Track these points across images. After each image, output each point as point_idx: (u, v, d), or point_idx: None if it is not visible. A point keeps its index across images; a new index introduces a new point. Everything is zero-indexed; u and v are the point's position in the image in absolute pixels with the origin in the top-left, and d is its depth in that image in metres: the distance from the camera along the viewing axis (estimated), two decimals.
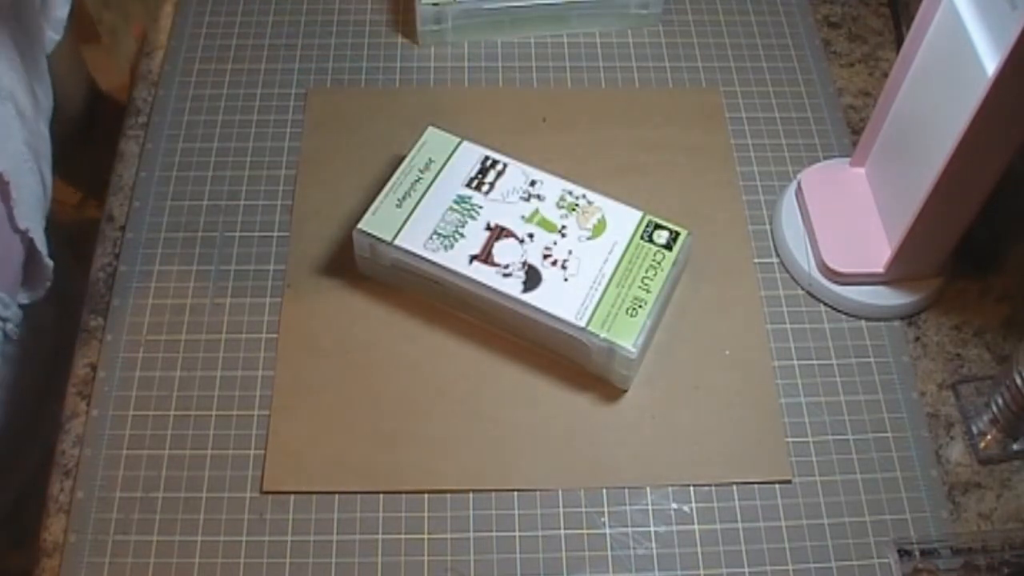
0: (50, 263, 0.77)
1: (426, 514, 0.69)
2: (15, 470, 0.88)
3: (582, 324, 0.71)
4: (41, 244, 0.76)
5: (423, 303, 0.77)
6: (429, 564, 0.67)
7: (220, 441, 0.71)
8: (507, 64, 0.92)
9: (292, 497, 0.69)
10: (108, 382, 0.74)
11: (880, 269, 0.76)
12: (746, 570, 0.68)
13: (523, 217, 0.77)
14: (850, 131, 0.88)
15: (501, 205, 0.77)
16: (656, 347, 0.76)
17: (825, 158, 0.86)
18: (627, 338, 0.71)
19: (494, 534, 0.68)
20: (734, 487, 0.71)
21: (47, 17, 0.81)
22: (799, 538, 0.69)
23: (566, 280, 0.73)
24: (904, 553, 0.68)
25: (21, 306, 0.77)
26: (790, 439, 0.72)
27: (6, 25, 0.74)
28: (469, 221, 0.76)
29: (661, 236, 0.76)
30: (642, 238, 0.76)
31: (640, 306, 0.72)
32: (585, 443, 0.72)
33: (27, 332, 0.80)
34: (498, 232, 0.76)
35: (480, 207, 0.77)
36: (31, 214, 0.75)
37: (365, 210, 0.76)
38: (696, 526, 0.69)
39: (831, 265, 0.77)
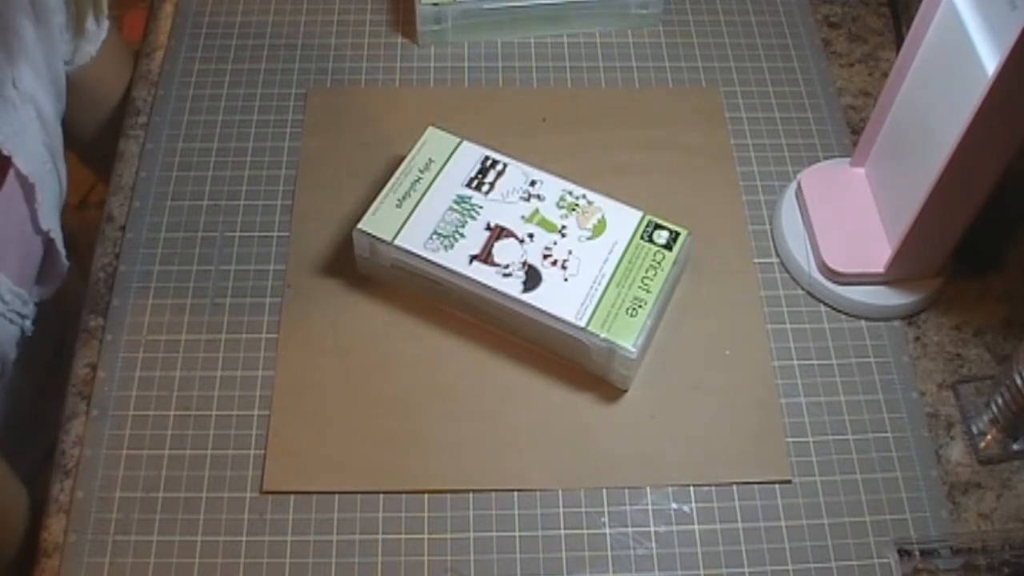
0: (66, 262, 0.78)
1: (426, 514, 0.69)
2: (14, 470, 0.88)
3: (582, 324, 0.71)
4: (60, 243, 0.77)
5: (423, 303, 0.77)
6: (429, 564, 0.67)
7: (220, 441, 0.71)
8: (507, 64, 0.92)
9: (292, 497, 0.69)
10: (108, 382, 0.74)
11: (880, 269, 0.76)
12: (746, 570, 0.68)
13: (523, 217, 0.77)
14: (850, 131, 0.88)
15: (501, 205, 0.77)
16: (656, 347, 0.76)
17: (825, 158, 0.86)
18: (627, 338, 0.71)
19: (494, 534, 0.68)
20: (734, 487, 0.71)
21: (79, 31, 0.82)
22: (799, 538, 0.69)
23: (566, 280, 0.73)
24: (904, 553, 0.68)
25: None
26: (790, 439, 0.72)
27: (28, 30, 0.75)
28: (469, 221, 0.76)
29: (661, 236, 0.76)
30: (642, 238, 0.76)
31: (640, 306, 0.72)
32: (585, 443, 0.72)
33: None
34: (498, 232, 0.76)
35: (480, 207, 0.77)
36: (51, 215, 0.76)
37: (365, 210, 0.76)
38: (696, 526, 0.69)
39: (831, 265, 0.77)
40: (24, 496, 0.76)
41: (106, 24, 0.86)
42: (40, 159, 0.75)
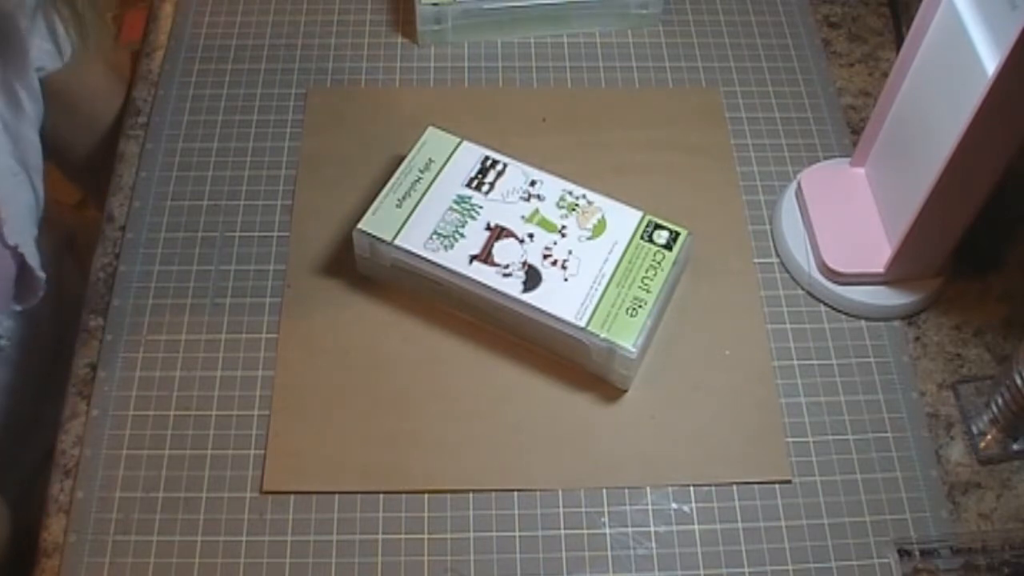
0: (42, 275, 0.75)
1: (426, 514, 0.69)
2: (14, 470, 0.88)
3: (582, 324, 0.71)
4: (32, 258, 0.74)
5: (423, 303, 0.77)
6: (429, 564, 0.67)
7: (220, 441, 0.71)
8: (507, 64, 0.92)
9: (292, 497, 0.69)
10: (108, 382, 0.74)
11: (880, 269, 0.76)
12: (746, 570, 0.68)
13: (523, 217, 0.77)
14: (850, 131, 0.88)
15: (501, 205, 0.77)
16: (656, 347, 0.76)
17: (825, 158, 0.86)
18: (627, 338, 0.71)
19: (494, 534, 0.68)
20: (734, 487, 0.71)
21: (52, 37, 0.80)
22: (799, 538, 0.69)
23: (566, 280, 0.73)
24: (904, 553, 0.68)
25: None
26: (790, 439, 0.72)
27: None
28: (469, 221, 0.76)
29: (661, 236, 0.76)
30: (642, 238, 0.76)
31: (640, 306, 0.72)
32: (585, 443, 0.72)
33: (26, 332, 0.80)
34: (498, 232, 0.76)
35: (480, 207, 0.77)
36: (22, 229, 0.74)
37: (365, 210, 0.76)
38: (696, 526, 0.69)
39: (831, 265, 0.77)
40: (4, 505, 0.75)
41: (86, 30, 0.84)
42: (8, 171, 0.72)
